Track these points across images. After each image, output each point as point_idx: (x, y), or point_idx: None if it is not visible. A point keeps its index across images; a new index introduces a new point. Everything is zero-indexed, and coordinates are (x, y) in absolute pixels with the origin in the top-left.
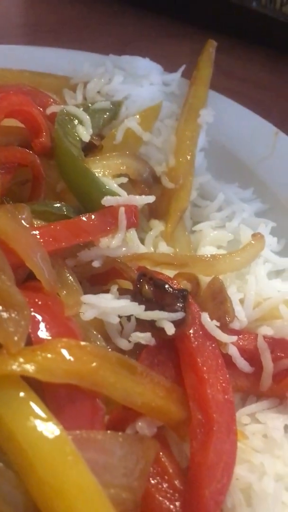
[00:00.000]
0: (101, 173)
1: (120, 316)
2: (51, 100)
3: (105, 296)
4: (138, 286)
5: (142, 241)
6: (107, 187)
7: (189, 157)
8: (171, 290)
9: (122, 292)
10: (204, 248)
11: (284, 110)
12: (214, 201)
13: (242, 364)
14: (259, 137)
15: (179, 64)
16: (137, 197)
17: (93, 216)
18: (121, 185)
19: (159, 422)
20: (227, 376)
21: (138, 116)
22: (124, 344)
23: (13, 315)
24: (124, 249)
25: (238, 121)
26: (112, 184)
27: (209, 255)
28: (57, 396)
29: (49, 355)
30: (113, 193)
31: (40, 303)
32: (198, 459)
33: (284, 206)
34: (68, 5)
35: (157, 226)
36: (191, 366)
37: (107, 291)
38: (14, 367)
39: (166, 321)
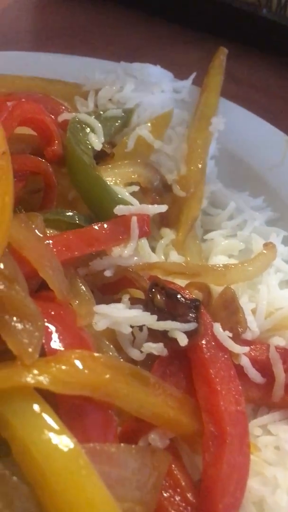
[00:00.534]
0: (113, 181)
1: (131, 326)
2: (63, 107)
3: (117, 306)
4: (150, 295)
5: (153, 249)
6: (119, 196)
7: (200, 165)
8: (184, 300)
9: (134, 302)
10: (215, 257)
11: None
12: (225, 210)
13: (254, 374)
14: (270, 144)
15: (187, 71)
16: (150, 206)
17: (105, 225)
18: (132, 194)
19: (172, 434)
20: (240, 387)
21: (149, 124)
22: (136, 354)
23: (27, 326)
24: (136, 258)
25: (249, 128)
26: (124, 192)
27: (221, 265)
28: (70, 408)
29: (63, 367)
30: (125, 202)
31: (53, 313)
32: (211, 472)
33: None
34: (77, 12)
35: (168, 234)
36: (204, 377)
37: (118, 300)
38: (29, 379)
39: (179, 331)
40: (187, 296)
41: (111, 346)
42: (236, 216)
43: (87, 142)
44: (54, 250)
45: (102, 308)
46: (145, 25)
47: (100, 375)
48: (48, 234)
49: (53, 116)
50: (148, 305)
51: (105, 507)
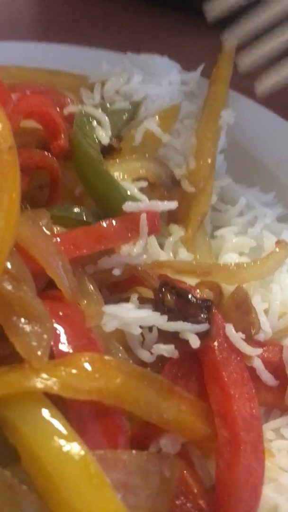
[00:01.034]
0: (121, 176)
1: (141, 327)
2: (68, 99)
3: (126, 306)
4: (160, 295)
5: (161, 246)
6: (128, 192)
7: (210, 160)
8: (195, 300)
9: (143, 301)
10: (226, 255)
11: None
12: (235, 206)
13: (267, 377)
14: (280, 139)
15: (194, 62)
16: (159, 202)
17: (114, 222)
18: (140, 189)
19: (183, 439)
20: (253, 390)
21: (157, 117)
22: (146, 355)
23: (36, 328)
24: (145, 256)
25: (259, 122)
26: (133, 188)
27: (232, 263)
28: (80, 414)
29: (73, 371)
30: (133, 198)
31: (61, 314)
32: (224, 479)
33: None
34: (83, 2)
35: (177, 231)
36: (216, 380)
37: (125, 299)
38: (37, 383)
39: (191, 333)
40: (198, 295)
41: (120, 347)
42: (246, 212)
43: (94, 136)
44: (62, 248)
45: (111, 308)
46: (151, 15)
47: (111, 379)
48: (55, 231)
49: (58, 109)
50: (158, 305)
51: None
